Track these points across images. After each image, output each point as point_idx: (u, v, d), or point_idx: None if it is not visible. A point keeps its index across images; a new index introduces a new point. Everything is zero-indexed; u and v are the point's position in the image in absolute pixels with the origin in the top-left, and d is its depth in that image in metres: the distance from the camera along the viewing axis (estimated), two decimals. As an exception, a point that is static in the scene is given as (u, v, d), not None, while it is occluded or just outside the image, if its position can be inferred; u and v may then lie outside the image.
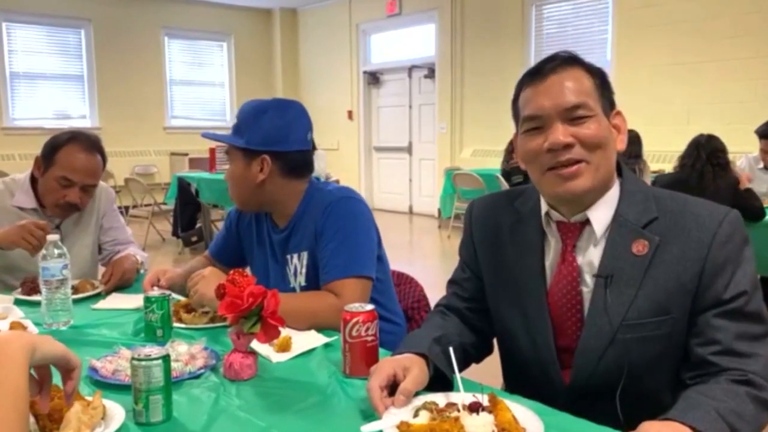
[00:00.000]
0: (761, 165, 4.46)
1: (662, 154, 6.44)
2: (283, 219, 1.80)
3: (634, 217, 1.21)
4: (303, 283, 1.76)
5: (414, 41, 9.63)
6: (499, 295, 1.35)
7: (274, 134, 1.72)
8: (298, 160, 1.76)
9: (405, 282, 2.04)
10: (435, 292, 1.79)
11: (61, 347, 0.94)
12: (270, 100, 1.78)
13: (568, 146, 1.17)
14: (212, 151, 7.15)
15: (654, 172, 5.48)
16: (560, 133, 1.17)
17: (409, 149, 9.89)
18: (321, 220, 1.71)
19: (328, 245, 1.68)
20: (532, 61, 8.01)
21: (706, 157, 3.76)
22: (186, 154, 9.52)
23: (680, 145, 3.99)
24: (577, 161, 1.17)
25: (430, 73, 9.34)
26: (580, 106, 1.18)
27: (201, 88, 10.86)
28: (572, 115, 1.18)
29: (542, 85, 1.20)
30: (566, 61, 1.22)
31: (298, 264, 1.77)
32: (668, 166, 5.73)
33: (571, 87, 1.18)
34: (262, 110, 1.73)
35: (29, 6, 9.02)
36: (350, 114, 10.43)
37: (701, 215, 1.18)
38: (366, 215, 1.75)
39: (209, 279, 1.58)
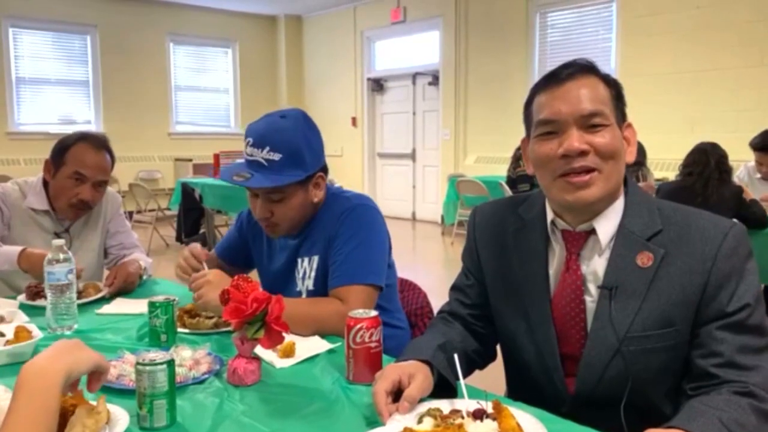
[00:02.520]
0: (759, 175, 4.45)
1: (665, 162, 6.44)
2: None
3: (639, 230, 1.21)
4: (311, 287, 1.75)
5: (418, 48, 9.66)
6: (503, 302, 1.35)
7: (320, 150, 1.71)
8: (327, 165, 1.78)
9: (408, 288, 2.04)
10: (438, 298, 1.80)
11: (94, 358, 1.00)
12: (285, 117, 1.66)
13: (582, 153, 1.17)
14: (216, 156, 7.17)
15: (657, 180, 5.47)
16: (575, 139, 1.17)
17: (412, 156, 9.90)
18: (336, 226, 1.70)
19: (340, 250, 1.67)
20: (536, 69, 8.03)
21: (714, 163, 3.75)
22: (190, 160, 9.55)
23: (683, 154, 3.99)
24: (590, 170, 1.17)
25: (434, 80, 9.36)
26: (596, 113, 1.18)
27: (205, 94, 10.90)
28: (588, 123, 1.18)
29: (559, 90, 1.20)
30: (584, 68, 1.21)
31: (307, 268, 1.76)
32: (671, 174, 5.73)
33: (588, 94, 1.18)
34: (302, 131, 1.65)
35: (35, 12, 9.07)
36: (354, 120, 10.45)
37: (706, 228, 1.18)
38: (380, 224, 1.75)
39: (214, 283, 1.58)
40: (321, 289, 1.72)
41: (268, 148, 1.61)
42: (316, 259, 1.74)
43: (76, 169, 2.14)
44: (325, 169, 1.75)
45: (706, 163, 3.76)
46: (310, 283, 1.75)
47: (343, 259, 1.66)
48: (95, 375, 1.02)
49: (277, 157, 1.61)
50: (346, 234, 1.68)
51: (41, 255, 1.90)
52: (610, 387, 1.19)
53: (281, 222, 1.71)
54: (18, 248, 2.02)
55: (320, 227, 1.75)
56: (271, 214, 1.69)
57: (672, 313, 1.16)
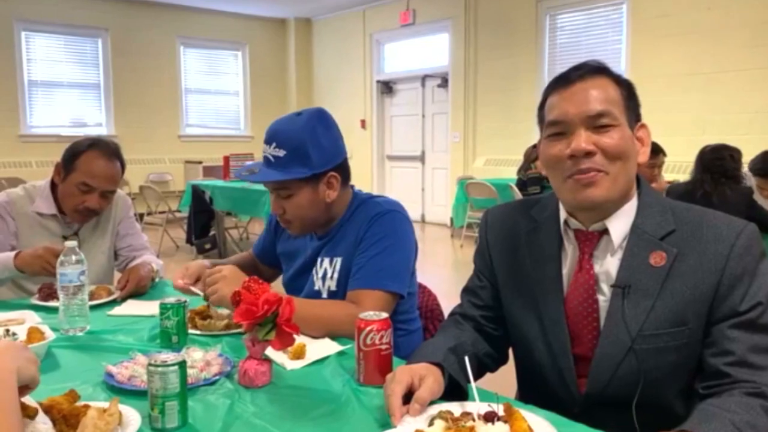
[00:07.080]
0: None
1: (677, 165, 6.40)
2: (326, 226, 1.78)
3: (652, 229, 1.21)
4: (333, 288, 1.74)
5: (427, 51, 9.66)
6: (516, 302, 1.35)
7: (332, 149, 1.68)
8: (348, 166, 1.75)
9: (418, 291, 2.04)
10: (448, 300, 1.79)
11: (33, 371, 0.96)
12: (300, 114, 1.67)
13: (589, 154, 1.17)
14: (226, 159, 7.20)
15: (668, 182, 5.45)
16: (582, 139, 1.17)
17: (421, 158, 9.90)
18: (364, 229, 1.69)
19: (365, 253, 1.66)
20: (546, 71, 8.01)
21: (703, 168, 3.79)
22: (200, 162, 9.57)
23: (694, 156, 3.99)
24: (597, 171, 1.18)
25: (444, 83, 9.36)
26: (604, 114, 1.18)
27: (216, 96, 10.95)
28: (596, 123, 1.18)
29: (568, 91, 1.21)
30: (594, 69, 1.22)
31: (328, 268, 1.75)
32: (683, 176, 5.70)
33: (597, 95, 1.19)
34: (310, 129, 1.63)
35: (48, 15, 9.15)
36: (363, 123, 10.46)
37: (719, 227, 1.18)
38: (409, 232, 1.74)
39: (229, 279, 1.57)
40: (343, 290, 1.70)
41: (274, 144, 1.63)
42: (339, 260, 1.73)
43: (83, 180, 2.14)
44: (340, 169, 1.71)
45: (698, 169, 3.81)
46: (332, 284, 1.74)
47: (365, 262, 1.65)
48: (23, 389, 0.96)
49: (281, 153, 1.62)
50: (373, 238, 1.67)
51: (32, 250, 1.98)
52: (622, 386, 1.19)
53: (293, 220, 1.71)
54: (11, 253, 2.03)
55: (349, 229, 1.73)
56: (283, 210, 1.70)
57: (685, 311, 1.16)
